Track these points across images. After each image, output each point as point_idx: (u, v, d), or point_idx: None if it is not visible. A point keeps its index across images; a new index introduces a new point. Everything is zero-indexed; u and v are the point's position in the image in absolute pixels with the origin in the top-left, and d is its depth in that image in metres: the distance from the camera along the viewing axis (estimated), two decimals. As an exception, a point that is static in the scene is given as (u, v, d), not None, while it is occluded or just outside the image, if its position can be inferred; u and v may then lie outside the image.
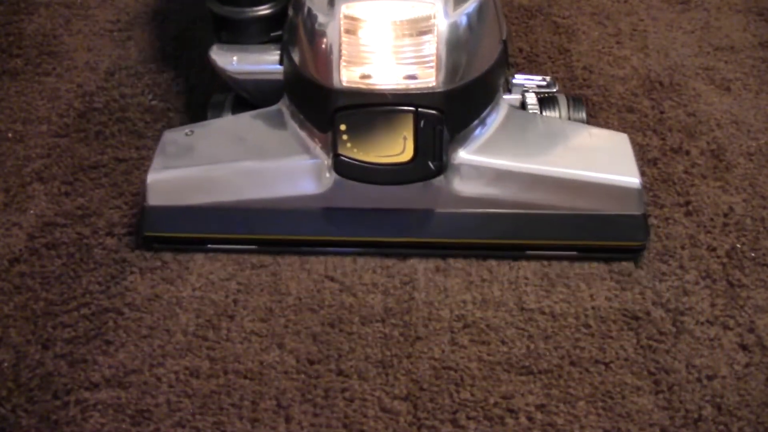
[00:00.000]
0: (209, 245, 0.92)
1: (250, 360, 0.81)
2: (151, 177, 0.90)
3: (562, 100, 0.99)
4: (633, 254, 0.91)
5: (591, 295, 0.87)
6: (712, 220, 0.97)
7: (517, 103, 0.99)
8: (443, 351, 0.82)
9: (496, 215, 0.89)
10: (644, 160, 1.06)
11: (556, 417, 0.76)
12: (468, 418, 0.76)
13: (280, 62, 0.93)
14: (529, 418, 0.76)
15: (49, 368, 0.80)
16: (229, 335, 0.83)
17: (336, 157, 0.85)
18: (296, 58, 0.88)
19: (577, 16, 1.38)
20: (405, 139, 0.83)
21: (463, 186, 0.88)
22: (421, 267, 0.91)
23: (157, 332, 0.83)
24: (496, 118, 0.92)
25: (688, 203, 0.99)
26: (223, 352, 0.82)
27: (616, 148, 0.92)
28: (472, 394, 0.78)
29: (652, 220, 0.97)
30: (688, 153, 1.07)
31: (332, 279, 0.89)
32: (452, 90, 0.84)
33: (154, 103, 1.15)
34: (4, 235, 0.94)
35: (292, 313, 0.86)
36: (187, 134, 0.95)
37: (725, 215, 0.97)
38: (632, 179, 0.88)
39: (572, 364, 0.81)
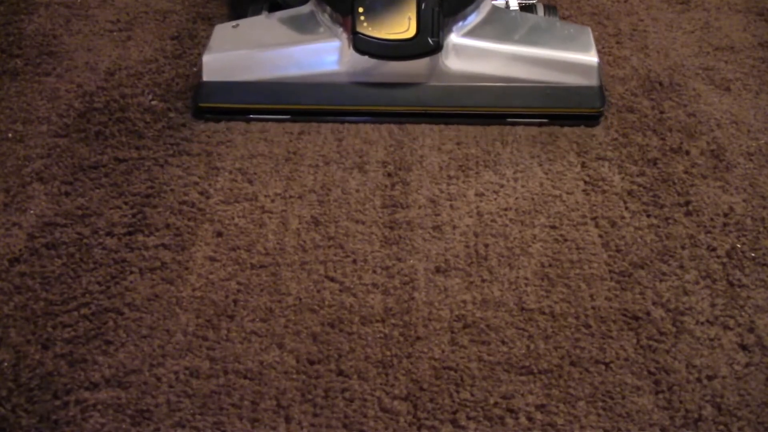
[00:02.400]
0: (251, 115, 1.12)
1: (250, 360, 0.81)
2: (206, 57, 1.12)
3: (540, 7, 1.24)
4: (593, 120, 1.11)
5: (591, 295, 0.87)
6: (712, 220, 0.97)
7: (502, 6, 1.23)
8: (443, 351, 0.82)
9: (482, 88, 1.10)
10: (644, 160, 1.06)
11: (556, 417, 0.76)
12: (468, 418, 0.76)
13: None
14: (529, 418, 0.76)
15: (49, 368, 0.80)
16: (229, 335, 0.83)
17: (355, 34, 1.05)
18: None
19: (577, 16, 1.38)
20: (409, 19, 1.04)
21: (455, 63, 1.10)
22: (421, 267, 0.91)
23: (157, 332, 0.83)
24: (482, 11, 1.14)
25: (688, 203, 0.99)
26: (223, 352, 0.82)
27: (580, 36, 1.14)
28: (472, 394, 0.78)
29: (652, 220, 0.97)
30: (688, 153, 1.07)
31: (332, 279, 0.89)
32: None
33: (154, 103, 1.15)
34: (4, 235, 0.94)
35: (292, 313, 0.86)
36: (234, 27, 1.17)
37: (725, 215, 0.98)
38: (591, 58, 1.11)
39: (572, 364, 0.81)
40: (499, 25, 1.14)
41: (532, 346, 0.82)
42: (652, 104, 1.17)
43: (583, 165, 1.06)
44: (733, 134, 1.11)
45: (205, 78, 1.12)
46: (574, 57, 1.10)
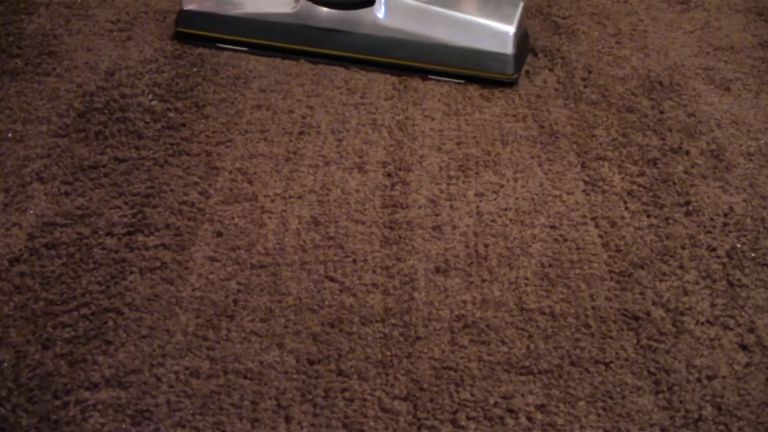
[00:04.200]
0: (218, 44, 1.28)
1: (250, 360, 0.81)
2: None
3: None
4: (507, 85, 1.21)
5: (591, 295, 0.87)
6: (712, 220, 0.97)
7: None
8: (443, 351, 0.82)
9: (407, 42, 1.22)
10: (644, 160, 1.06)
11: (556, 417, 0.76)
12: (468, 418, 0.76)
13: None
14: (529, 418, 0.76)
15: (49, 368, 0.80)
16: (229, 335, 0.83)
17: None
18: None
19: (577, 16, 1.38)
20: None
21: (386, 17, 1.22)
22: (421, 267, 0.91)
23: (157, 332, 0.83)
24: None
25: (688, 203, 0.99)
26: (223, 352, 0.82)
27: (506, 7, 1.22)
28: (472, 394, 0.78)
29: (652, 220, 0.97)
30: (688, 153, 1.07)
31: (332, 279, 0.89)
32: None
33: (154, 103, 1.15)
34: (4, 235, 0.94)
35: (292, 313, 0.85)
36: None
37: (725, 215, 0.98)
38: (508, 27, 1.19)
39: (572, 364, 0.81)
40: None
41: (532, 346, 0.82)
42: (652, 104, 1.17)
43: (583, 165, 1.06)
44: (733, 134, 1.11)
45: (184, 6, 1.28)
46: (493, 24, 1.20)
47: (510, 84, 1.21)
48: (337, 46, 1.25)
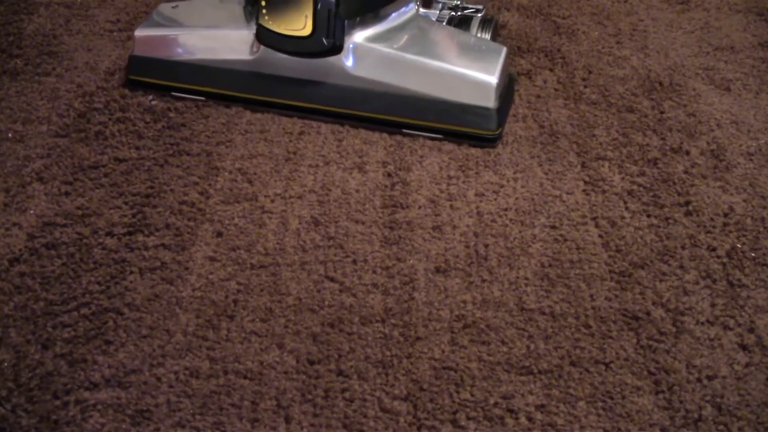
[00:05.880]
0: (173, 93, 1.16)
1: (250, 360, 0.81)
2: (138, 32, 1.17)
3: (476, 19, 1.19)
4: (488, 142, 1.08)
5: (591, 295, 0.87)
6: (712, 220, 0.97)
7: (434, 17, 1.20)
8: (443, 351, 0.82)
9: (379, 94, 1.09)
10: (644, 160, 1.06)
11: (556, 417, 0.76)
12: (468, 418, 0.76)
13: None
14: (529, 418, 0.76)
15: (49, 368, 0.80)
16: (229, 335, 0.83)
17: (257, 26, 1.08)
18: None
19: (577, 16, 1.38)
20: (306, 17, 1.05)
21: (355, 66, 1.09)
22: (421, 267, 0.91)
23: (157, 332, 0.83)
24: (400, 17, 1.13)
25: (688, 203, 0.99)
26: (223, 352, 0.82)
27: (489, 55, 1.10)
28: (472, 394, 0.78)
29: (652, 220, 0.97)
30: (688, 153, 1.07)
31: (332, 279, 0.89)
32: None
33: (154, 103, 1.15)
34: (4, 235, 0.94)
35: (292, 313, 0.86)
36: (173, 7, 1.21)
37: (725, 215, 0.98)
38: (490, 77, 1.06)
39: (572, 364, 0.81)
40: (413, 32, 1.13)
41: (532, 346, 0.82)
42: (652, 104, 1.17)
43: (583, 165, 1.06)
44: (733, 134, 1.11)
45: (135, 52, 1.18)
46: (473, 75, 1.06)
47: (492, 141, 1.08)
48: (301, 97, 1.12)
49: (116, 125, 1.11)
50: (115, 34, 1.31)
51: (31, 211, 0.97)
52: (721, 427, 0.75)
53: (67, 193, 1.00)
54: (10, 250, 0.92)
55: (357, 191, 1.01)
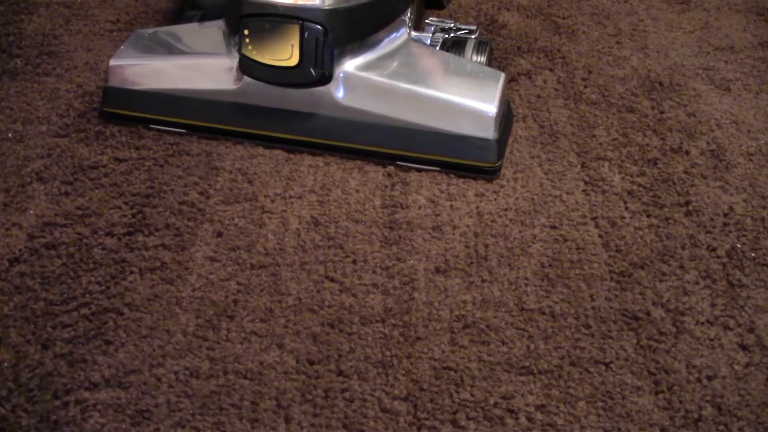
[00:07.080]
0: (151, 125, 1.10)
1: (250, 360, 0.81)
2: (112, 62, 1.11)
3: (471, 43, 1.12)
4: (489, 174, 1.02)
5: (591, 295, 0.87)
6: (712, 220, 0.97)
7: (427, 41, 1.14)
8: (443, 351, 0.82)
9: (371, 126, 1.03)
10: (644, 160, 1.06)
11: (556, 417, 0.76)
12: (468, 418, 0.76)
13: None
14: (529, 418, 0.76)
15: (49, 368, 0.80)
16: (229, 335, 0.83)
17: (240, 56, 1.02)
18: None
19: (577, 16, 1.38)
20: (293, 46, 0.99)
21: (345, 96, 1.03)
22: (421, 267, 0.91)
23: (157, 332, 0.83)
24: (392, 43, 1.08)
25: (688, 203, 0.99)
26: (223, 352, 0.82)
27: (487, 83, 1.03)
28: (472, 394, 0.78)
29: (652, 220, 0.97)
30: (688, 153, 1.07)
31: (332, 279, 0.89)
32: (336, 10, 0.98)
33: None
34: (4, 235, 0.94)
35: (292, 314, 0.85)
36: (149, 35, 1.15)
37: (725, 215, 0.98)
38: (489, 106, 1.00)
39: (572, 364, 0.81)
40: (407, 59, 1.07)
41: (532, 347, 0.82)
42: (652, 104, 1.17)
43: (583, 165, 1.06)
44: (733, 134, 1.11)
45: (109, 83, 1.11)
46: (470, 104, 1.00)
47: (492, 173, 1.02)
48: (288, 130, 1.06)
49: (116, 125, 1.11)
50: (115, 34, 1.31)
51: (31, 211, 0.97)
52: (721, 427, 0.75)
53: (67, 193, 1.00)
54: (10, 250, 0.92)
55: (357, 191, 1.01)
